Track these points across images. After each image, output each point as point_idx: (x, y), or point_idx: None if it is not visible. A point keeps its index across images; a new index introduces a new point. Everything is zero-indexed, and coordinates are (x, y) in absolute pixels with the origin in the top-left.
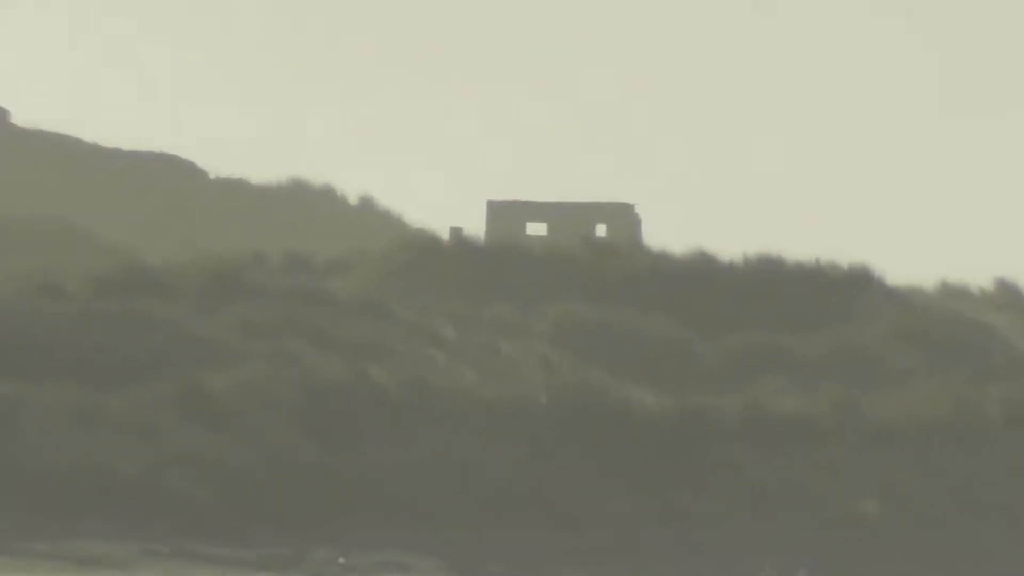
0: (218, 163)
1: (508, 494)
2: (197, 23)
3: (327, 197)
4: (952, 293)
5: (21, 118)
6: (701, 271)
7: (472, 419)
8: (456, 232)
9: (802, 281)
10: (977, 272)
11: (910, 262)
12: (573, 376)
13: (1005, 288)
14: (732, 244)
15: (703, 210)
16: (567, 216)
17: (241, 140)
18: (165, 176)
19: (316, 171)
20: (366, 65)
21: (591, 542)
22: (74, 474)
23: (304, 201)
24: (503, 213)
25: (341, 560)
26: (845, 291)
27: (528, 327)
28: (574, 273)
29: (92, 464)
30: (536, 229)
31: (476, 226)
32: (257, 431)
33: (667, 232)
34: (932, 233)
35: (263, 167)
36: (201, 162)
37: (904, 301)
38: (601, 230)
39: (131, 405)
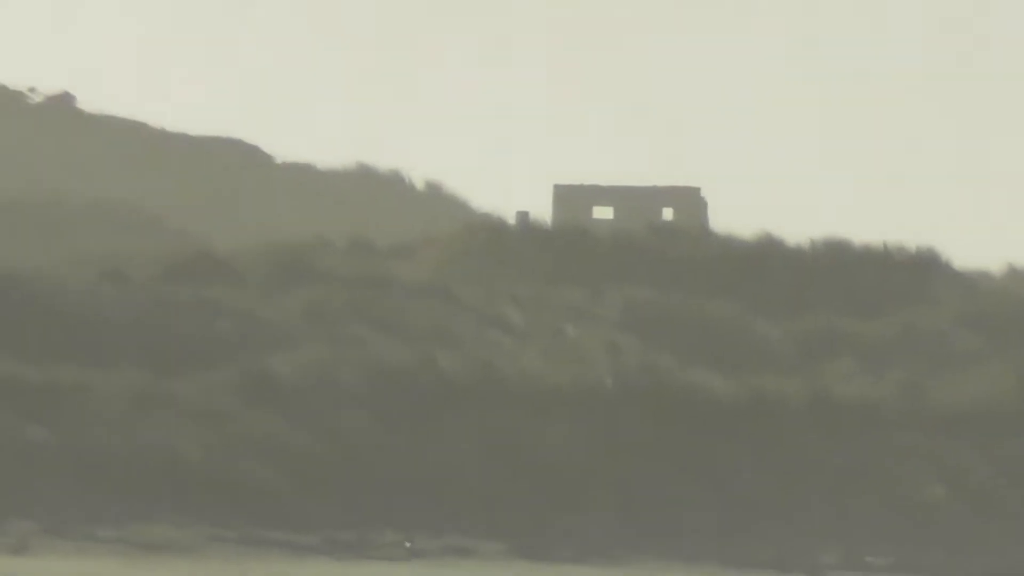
0: (285, 148)
1: (573, 478)
2: (263, 9)
3: (394, 182)
4: (1019, 277)
5: (87, 103)
6: (767, 254)
7: (538, 403)
8: (522, 216)
9: (869, 264)
10: None
11: (977, 246)
12: (639, 360)
13: None
14: (799, 227)
15: (770, 193)
16: (633, 200)
17: (308, 125)
18: (232, 161)
19: (383, 156)
20: (432, 51)
21: (656, 525)
22: (140, 459)
23: (371, 186)
24: (569, 197)
25: (408, 544)
26: (911, 274)
27: (594, 311)
28: (640, 257)
29: (158, 449)
30: (602, 213)
31: (542, 210)
32: (322, 415)
33: (733, 215)
34: (999, 217)
35: (330, 152)
36: (268, 147)
37: (970, 285)
38: (667, 214)
39: (197, 390)
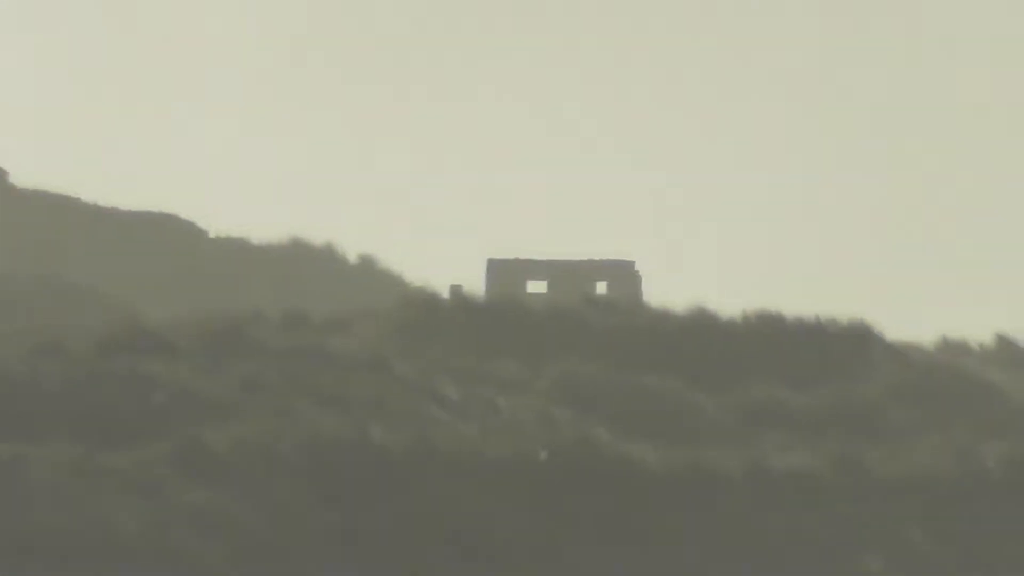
0: (218, 222)
1: (508, 551)
2: (196, 86)
3: (327, 256)
4: (952, 349)
5: (20, 179)
6: (701, 328)
7: (474, 476)
8: (456, 290)
9: (802, 337)
10: (977, 328)
11: (909, 318)
12: (574, 433)
13: (1006, 344)
14: (732, 301)
15: (703, 267)
16: (567, 273)
17: (241, 200)
18: (165, 235)
19: (316, 230)
20: (365, 125)
21: None
22: (76, 533)
23: (304, 260)
24: (503, 271)
25: None
26: (845, 347)
27: (529, 384)
28: (575, 330)
29: (94, 523)
30: (536, 287)
31: (476, 284)
32: (259, 489)
33: (667, 289)
34: (932, 289)
35: (263, 226)
36: (201, 221)
37: (903, 357)
38: (601, 287)
39: (133, 463)
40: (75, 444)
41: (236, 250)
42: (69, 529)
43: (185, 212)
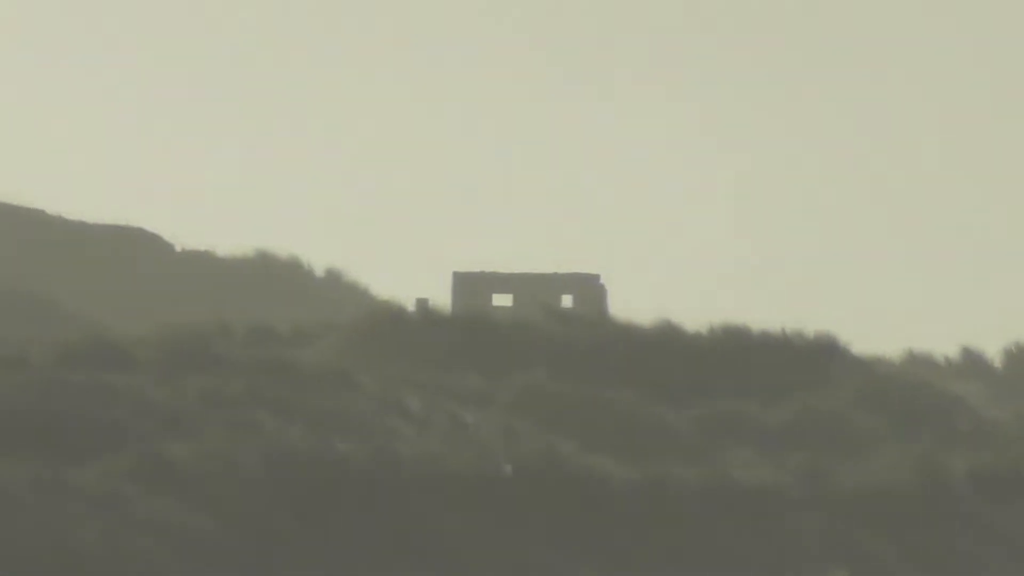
0: (184, 235)
1: (473, 564)
2: (163, 92)
3: (293, 269)
4: (917, 362)
5: None
6: (667, 341)
7: (437, 489)
8: (422, 303)
9: (767, 350)
10: (942, 341)
11: (875, 331)
12: (538, 446)
13: (970, 357)
14: (698, 314)
15: (669, 281)
16: (533, 287)
17: (207, 212)
18: (131, 248)
19: (282, 243)
20: (330, 137)
21: None
22: (36, 546)
23: (270, 273)
24: (469, 284)
25: None
26: (810, 360)
27: (494, 397)
28: (540, 344)
29: (55, 536)
30: (502, 300)
31: (442, 297)
32: (221, 502)
33: (633, 302)
34: (898, 302)
35: (229, 239)
36: (167, 234)
37: (869, 370)
38: (567, 301)
39: (95, 476)
40: (36, 457)
41: (202, 263)
42: (29, 542)
43: (151, 225)
